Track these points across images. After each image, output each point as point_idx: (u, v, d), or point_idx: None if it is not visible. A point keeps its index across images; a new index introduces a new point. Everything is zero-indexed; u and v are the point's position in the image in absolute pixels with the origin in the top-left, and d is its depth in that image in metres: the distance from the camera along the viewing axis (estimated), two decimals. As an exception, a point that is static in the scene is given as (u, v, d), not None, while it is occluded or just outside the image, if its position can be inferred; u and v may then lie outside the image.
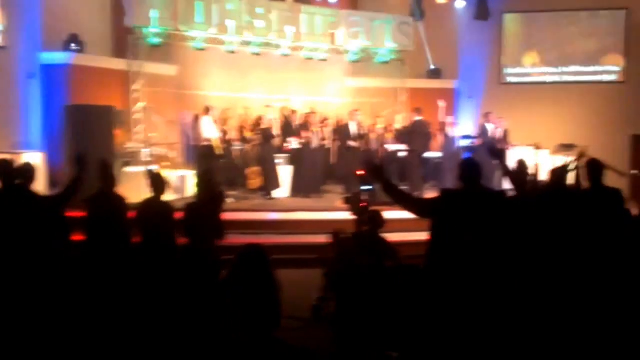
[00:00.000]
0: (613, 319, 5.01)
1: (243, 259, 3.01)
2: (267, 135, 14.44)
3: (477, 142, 16.10)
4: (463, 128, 17.07)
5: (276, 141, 14.93)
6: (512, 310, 4.95)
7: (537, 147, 15.57)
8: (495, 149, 7.73)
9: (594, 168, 6.76)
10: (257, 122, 15.55)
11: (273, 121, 15.05)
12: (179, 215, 7.20)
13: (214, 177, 6.75)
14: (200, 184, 7.36)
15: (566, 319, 5.03)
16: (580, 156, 6.80)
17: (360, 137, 15.77)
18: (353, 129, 15.54)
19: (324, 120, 16.45)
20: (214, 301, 3.81)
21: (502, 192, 5.51)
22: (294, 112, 15.92)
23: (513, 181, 6.57)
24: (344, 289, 7.23)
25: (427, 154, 16.79)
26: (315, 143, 15.41)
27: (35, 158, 12.97)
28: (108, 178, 7.51)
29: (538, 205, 6.03)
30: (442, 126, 16.42)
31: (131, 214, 7.38)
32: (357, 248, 7.55)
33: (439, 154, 16.87)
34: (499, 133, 16.21)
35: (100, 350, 3.32)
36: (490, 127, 16.31)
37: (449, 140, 16.31)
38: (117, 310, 3.61)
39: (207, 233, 6.76)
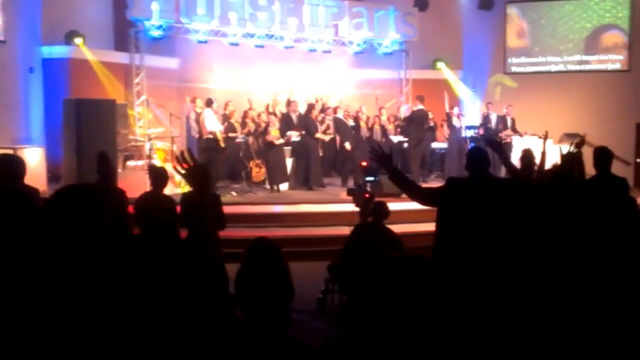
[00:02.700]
0: (617, 312, 4.90)
1: (254, 253, 2.92)
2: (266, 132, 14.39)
3: (480, 132, 16.05)
4: (468, 118, 16.97)
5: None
6: (518, 301, 4.85)
7: (545, 137, 15.39)
8: (492, 142, 7.63)
9: (602, 156, 6.65)
10: (257, 119, 15.45)
11: (273, 117, 14.92)
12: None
13: (205, 172, 6.57)
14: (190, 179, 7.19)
15: (574, 315, 4.91)
16: (580, 143, 6.67)
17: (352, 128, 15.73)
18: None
19: (325, 110, 16.37)
20: (216, 296, 3.67)
21: (511, 181, 5.44)
22: (295, 103, 15.77)
23: (512, 173, 6.50)
24: (349, 283, 7.15)
25: (432, 145, 16.77)
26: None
27: (35, 153, 12.91)
28: (106, 171, 7.35)
29: (543, 194, 5.92)
30: (449, 117, 16.34)
31: (130, 208, 7.25)
32: (361, 240, 7.47)
33: (444, 145, 16.84)
34: (508, 122, 16.18)
35: (100, 347, 3.19)
36: (493, 117, 16.25)
37: (454, 131, 16.24)
38: (118, 306, 3.48)
39: (207, 223, 6.64)
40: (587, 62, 19.43)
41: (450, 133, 16.44)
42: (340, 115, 15.54)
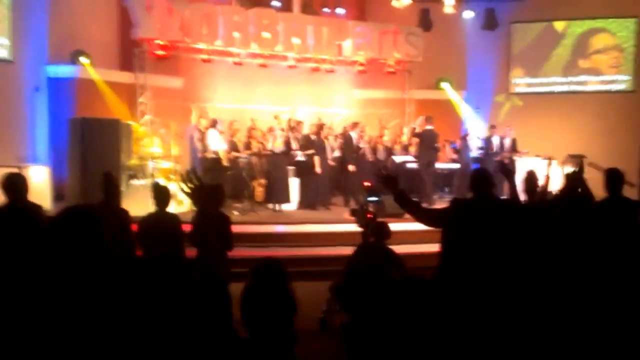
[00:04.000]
0: (627, 337, 4.89)
1: (260, 273, 2.94)
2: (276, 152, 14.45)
3: (482, 154, 16.08)
4: (473, 140, 16.98)
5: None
6: (523, 318, 4.86)
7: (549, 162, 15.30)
8: (505, 167, 7.61)
9: (614, 177, 6.58)
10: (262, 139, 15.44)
11: (278, 134, 14.90)
12: (186, 227, 7.10)
13: (211, 192, 6.54)
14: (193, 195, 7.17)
15: (580, 334, 4.91)
16: (579, 167, 6.58)
17: (358, 149, 15.71)
18: (355, 140, 15.66)
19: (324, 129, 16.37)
20: (217, 315, 3.68)
21: (514, 201, 5.46)
22: (299, 123, 15.77)
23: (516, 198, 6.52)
24: (351, 303, 7.14)
25: (437, 165, 16.76)
26: (328, 155, 15.39)
27: (41, 171, 12.94)
28: (112, 191, 7.35)
29: (552, 215, 5.90)
30: (464, 138, 16.40)
31: (134, 228, 7.26)
32: (363, 260, 7.48)
33: (448, 165, 16.85)
34: (507, 143, 16.18)
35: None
36: (495, 140, 16.24)
37: (466, 151, 16.28)
38: (120, 328, 3.49)
39: (213, 243, 6.65)
40: (592, 83, 19.49)
41: (461, 152, 16.47)
42: (354, 134, 15.57)
